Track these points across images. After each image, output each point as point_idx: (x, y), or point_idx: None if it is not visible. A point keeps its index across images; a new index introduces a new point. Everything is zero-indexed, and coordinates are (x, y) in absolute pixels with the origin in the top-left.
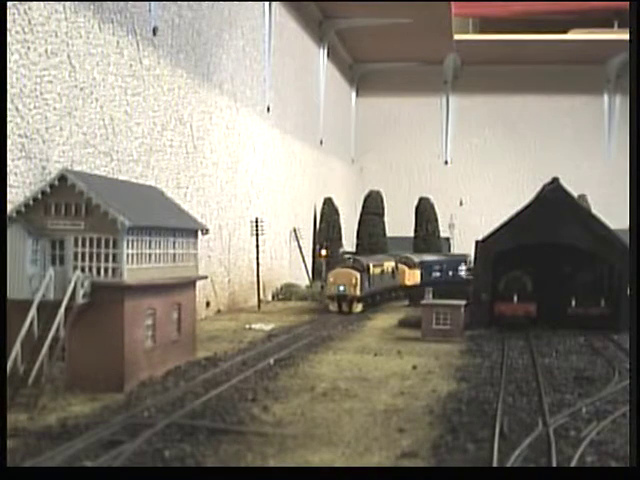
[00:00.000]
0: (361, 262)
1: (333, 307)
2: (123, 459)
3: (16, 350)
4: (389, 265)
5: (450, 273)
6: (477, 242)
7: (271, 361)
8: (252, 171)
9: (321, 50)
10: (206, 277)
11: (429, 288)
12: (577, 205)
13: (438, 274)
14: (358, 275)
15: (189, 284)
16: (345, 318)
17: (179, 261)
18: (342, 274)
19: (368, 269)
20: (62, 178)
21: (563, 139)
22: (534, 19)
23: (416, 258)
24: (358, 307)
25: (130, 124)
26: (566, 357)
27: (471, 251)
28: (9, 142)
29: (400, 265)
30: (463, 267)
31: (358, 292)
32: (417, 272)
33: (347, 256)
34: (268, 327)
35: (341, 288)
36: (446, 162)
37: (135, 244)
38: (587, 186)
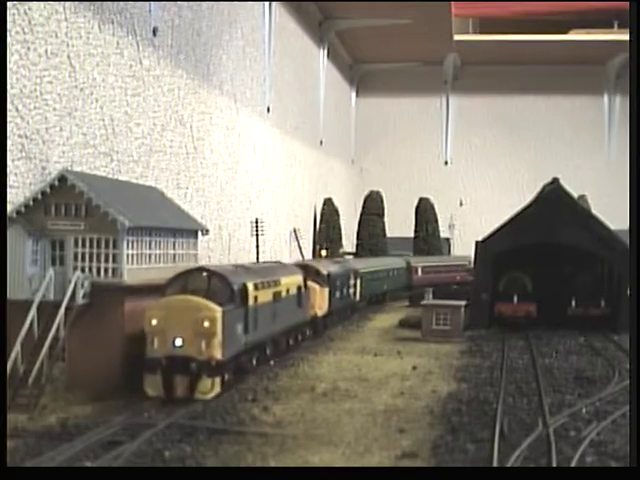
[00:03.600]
0: (227, 281)
1: (153, 389)
2: (123, 459)
3: (16, 350)
4: (292, 283)
5: (344, 291)
6: (477, 242)
7: (271, 361)
8: (252, 172)
9: (321, 50)
10: None
11: (428, 288)
12: (577, 205)
13: (338, 294)
14: (219, 313)
15: None
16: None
17: (179, 261)
18: (180, 311)
19: (244, 296)
20: (62, 179)
21: (563, 139)
22: (534, 19)
23: (323, 269)
24: (213, 387)
25: (130, 125)
26: (566, 357)
27: (471, 252)
28: (9, 142)
29: (310, 282)
30: (352, 282)
31: (217, 353)
32: (326, 292)
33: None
34: None
35: (177, 342)
36: (446, 162)
37: (135, 245)
38: (587, 186)
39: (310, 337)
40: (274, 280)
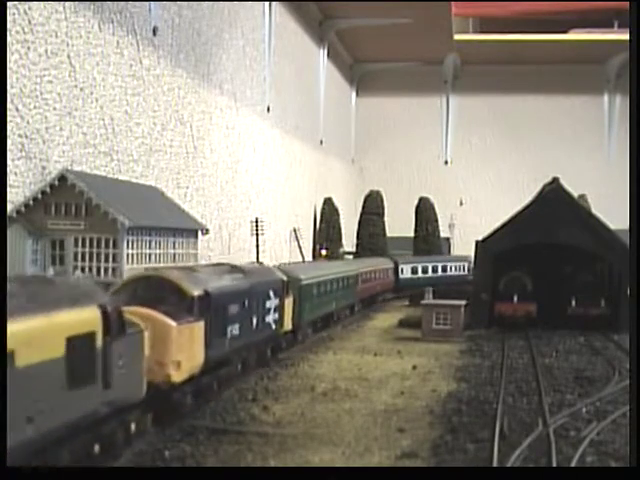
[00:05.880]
0: None
1: None
2: (123, 459)
3: None
4: (48, 334)
5: (253, 321)
6: (477, 242)
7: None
8: (252, 171)
9: (321, 50)
10: None
11: (428, 288)
12: (577, 205)
13: (236, 329)
14: None
15: None
16: None
17: (179, 261)
18: None
19: None
20: (62, 178)
21: (563, 139)
22: (534, 19)
23: (192, 286)
24: None
25: (130, 124)
26: (566, 357)
27: (471, 251)
28: (9, 142)
29: (156, 315)
30: (273, 303)
31: None
32: (197, 330)
33: None
34: None
35: None
36: (446, 162)
37: (135, 244)
38: (587, 186)
39: (148, 432)
40: None
